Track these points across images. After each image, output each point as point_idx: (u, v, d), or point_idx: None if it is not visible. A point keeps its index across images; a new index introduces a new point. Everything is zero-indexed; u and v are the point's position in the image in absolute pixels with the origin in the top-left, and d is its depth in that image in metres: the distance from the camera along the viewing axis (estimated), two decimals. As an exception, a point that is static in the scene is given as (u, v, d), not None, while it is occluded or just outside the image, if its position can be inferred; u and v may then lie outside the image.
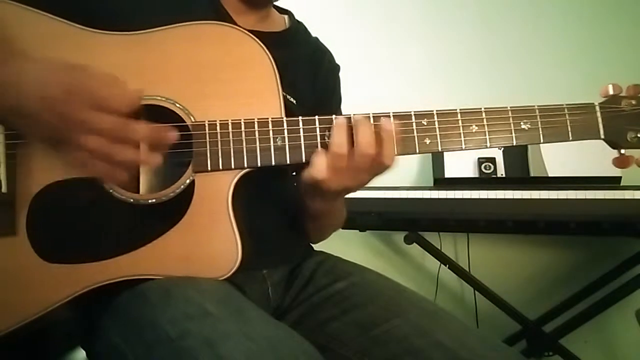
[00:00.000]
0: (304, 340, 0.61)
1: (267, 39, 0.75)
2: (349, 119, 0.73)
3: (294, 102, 0.86)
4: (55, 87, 0.63)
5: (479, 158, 1.73)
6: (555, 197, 1.47)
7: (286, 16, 0.98)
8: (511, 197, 1.51)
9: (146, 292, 0.66)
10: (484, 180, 1.70)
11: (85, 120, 0.62)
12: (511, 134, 0.75)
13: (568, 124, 0.76)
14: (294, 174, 0.99)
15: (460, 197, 1.54)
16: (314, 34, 1.00)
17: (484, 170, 1.72)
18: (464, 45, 1.99)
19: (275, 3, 0.92)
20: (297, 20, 0.98)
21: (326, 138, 0.73)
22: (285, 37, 0.93)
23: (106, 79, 0.66)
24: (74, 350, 0.88)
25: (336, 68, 1.02)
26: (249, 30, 0.76)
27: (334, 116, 0.74)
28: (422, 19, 2.04)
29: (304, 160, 0.73)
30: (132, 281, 0.68)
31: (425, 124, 0.74)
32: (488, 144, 0.75)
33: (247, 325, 0.59)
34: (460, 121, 0.74)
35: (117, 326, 0.66)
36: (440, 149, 0.74)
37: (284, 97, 0.83)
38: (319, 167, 0.71)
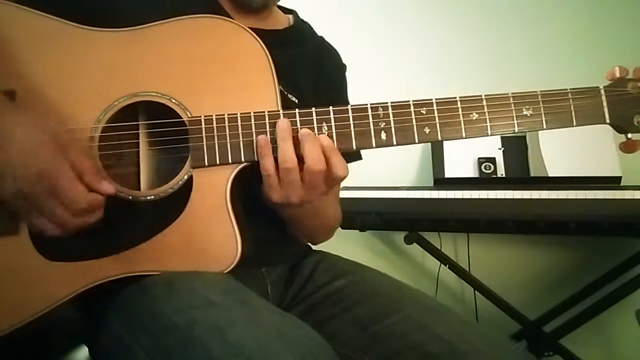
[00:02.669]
0: (309, 327, 0.61)
1: (267, 36, 0.75)
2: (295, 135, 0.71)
3: (296, 101, 0.86)
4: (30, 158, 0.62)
5: (479, 158, 1.73)
6: (555, 197, 1.47)
7: (290, 16, 0.97)
8: (511, 197, 1.51)
9: (149, 285, 0.66)
10: (484, 180, 1.70)
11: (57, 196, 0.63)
12: (513, 120, 0.73)
13: (572, 109, 0.74)
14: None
15: (460, 197, 1.54)
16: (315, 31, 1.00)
17: (484, 170, 1.72)
18: (463, 45, 1.99)
19: (279, 3, 0.92)
20: (302, 20, 0.98)
21: (324, 130, 0.73)
22: (287, 35, 0.93)
23: (82, 148, 0.68)
24: (76, 350, 0.88)
25: (342, 68, 1.02)
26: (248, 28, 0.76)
27: (331, 108, 0.73)
28: (422, 19, 2.04)
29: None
30: (134, 277, 0.69)
31: (425, 112, 0.73)
32: (489, 132, 0.73)
33: (254, 313, 0.60)
34: (460, 109, 0.73)
35: (122, 319, 0.66)
36: (440, 138, 0.73)
37: (286, 96, 0.84)
38: (271, 188, 0.71)
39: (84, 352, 0.86)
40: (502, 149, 1.74)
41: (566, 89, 0.75)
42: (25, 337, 0.71)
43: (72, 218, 0.65)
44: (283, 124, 0.70)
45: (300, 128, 0.71)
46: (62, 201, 0.64)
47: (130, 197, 0.71)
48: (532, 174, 1.72)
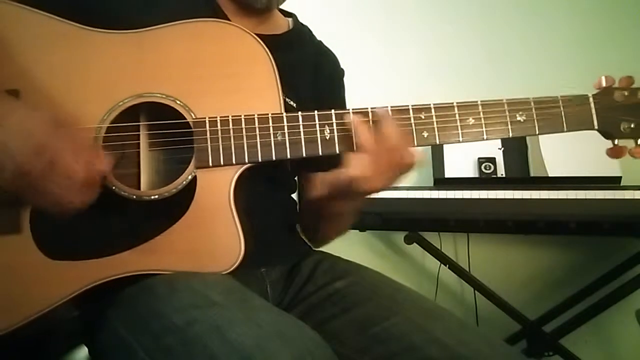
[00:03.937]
0: (308, 327, 0.62)
1: (267, 41, 0.76)
2: (366, 113, 0.74)
3: (295, 105, 0.86)
4: (28, 164, 0.62)
5: (479, 158, 1.73)
6: (555, 197, 1.47)
7: (290, 19, 0.98)
8: (511, 197, 1.51)
9: (151, 285, 0.66)
10: (484, 180, 1.70)
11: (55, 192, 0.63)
12: (507, 125, 0.77)
13: (562, 115, 0.77)
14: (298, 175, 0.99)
15: (460, 197, 1.54)
16: (314, 34, 1.00)
17: (484, 170, 1.72)
18: (462, 46, 2.00)
19: (280, 6, 0.93)
20: (301, 23, 0.98)
21: (326, 133, 0.74)
22: (287, 39, 0.93)
23: (83, 141, 0.68)
24: (76, 350, 0.89)
25: (340, 72, 1.02)
26: None
27: (333, 111, 0.75)
28: (421, 19, 2.04)
29: (304, 155, 0.74)
30: (135, 277, 0.69)
31: (423, 117, 0.76)
32: (485, 137, 0.77)
33: (253, 312, 0.60)
34: (457, 114, 0.76)
35: (122, 319, 0.66)
36: (438, 142, 0.76)
37: (285, 101, 0.84)
38: (358, 165, 0.72)
39: (83, 352, 0.86)
40: (502, 149, 1.74)
41: (557, 97, 0.78)
42: (27, 336, 0.72)
43: (71, 195, 0.64)
44: (356, 116, 0.74)
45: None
46: (61, 174, 0.63)
47: (134, 197, 0.72)
48: (532, 174, 1.72)
